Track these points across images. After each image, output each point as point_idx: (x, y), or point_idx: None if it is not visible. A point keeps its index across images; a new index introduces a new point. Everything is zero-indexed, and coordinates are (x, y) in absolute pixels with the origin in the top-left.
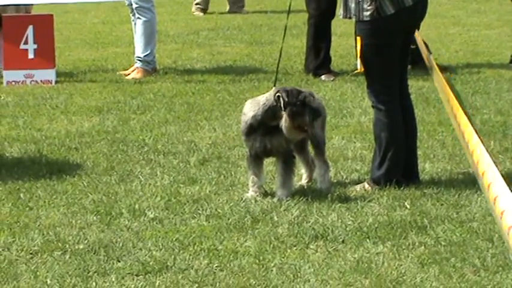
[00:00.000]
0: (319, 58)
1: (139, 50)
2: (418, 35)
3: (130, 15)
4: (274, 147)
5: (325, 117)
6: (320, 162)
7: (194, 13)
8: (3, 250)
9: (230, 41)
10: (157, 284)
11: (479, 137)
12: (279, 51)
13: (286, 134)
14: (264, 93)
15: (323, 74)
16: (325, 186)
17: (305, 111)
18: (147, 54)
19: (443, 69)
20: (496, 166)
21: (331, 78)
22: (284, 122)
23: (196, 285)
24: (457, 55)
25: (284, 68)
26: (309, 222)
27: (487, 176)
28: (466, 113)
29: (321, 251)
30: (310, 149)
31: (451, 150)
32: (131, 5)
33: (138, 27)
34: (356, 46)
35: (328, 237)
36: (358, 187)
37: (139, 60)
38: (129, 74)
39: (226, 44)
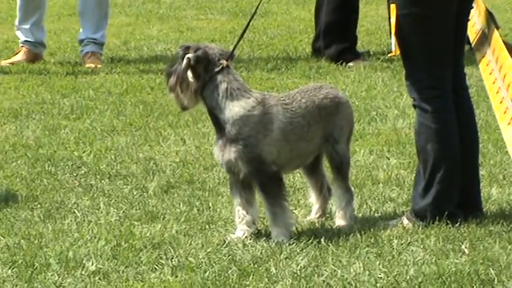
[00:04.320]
0: (338, 37)
1: (89, 28)
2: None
3: None
4: (225, 163)
5: (352, 125)
6: (340, 190)
7: None
8: None
9: (206, 11)
10: None
11: None
12: (280, 26)
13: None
14: (256, 87)
15: (349, 60)
16: (346, 222)
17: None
18: (102, 34)
19: None
20: None
21: (361, 64)
22: None
23: None
24: None
25: (285, 51)
26: (322, 275)
27: None
28: None
29: None
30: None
31: None
32: None
33: None
34: (390, 18)
35: None
36: (393, 224)
37: (93, 42)
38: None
39: (200, 16)
